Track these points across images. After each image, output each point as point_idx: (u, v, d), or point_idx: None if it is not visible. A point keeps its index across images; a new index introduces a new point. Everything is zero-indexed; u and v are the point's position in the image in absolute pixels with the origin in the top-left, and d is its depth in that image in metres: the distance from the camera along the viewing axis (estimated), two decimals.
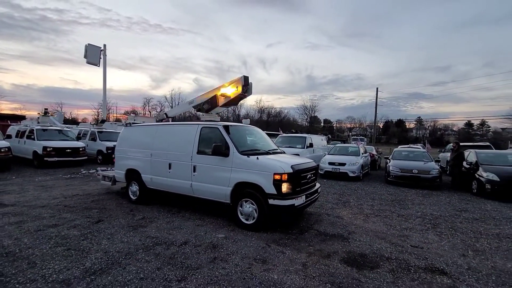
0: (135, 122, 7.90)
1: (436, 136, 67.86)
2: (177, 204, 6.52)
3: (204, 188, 5.48)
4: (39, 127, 13.36)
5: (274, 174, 4.66)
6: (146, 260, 3.65)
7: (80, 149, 13.37)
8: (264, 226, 4.86)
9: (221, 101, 6.07)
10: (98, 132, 15.44)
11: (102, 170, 12.09)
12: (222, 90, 5.94)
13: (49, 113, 14.48)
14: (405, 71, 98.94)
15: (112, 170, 12.50)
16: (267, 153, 5.60)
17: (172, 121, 8.11)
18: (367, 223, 5.59)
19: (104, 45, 16.31)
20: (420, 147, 16.08)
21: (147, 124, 7.28)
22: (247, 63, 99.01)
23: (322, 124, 76.14)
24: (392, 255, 4.01)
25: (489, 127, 68.14)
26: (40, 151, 12.18)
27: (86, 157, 13.81)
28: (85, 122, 48.19)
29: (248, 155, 5.10)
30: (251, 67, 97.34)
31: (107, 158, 14.37)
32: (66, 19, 74.54)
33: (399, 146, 14.35)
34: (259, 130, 6.74)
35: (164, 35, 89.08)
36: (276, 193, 4.63)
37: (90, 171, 11.97)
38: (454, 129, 74.82)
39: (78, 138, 15.22)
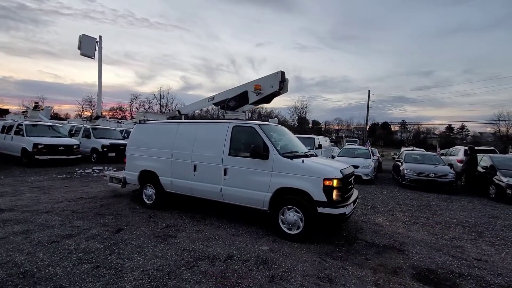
0: (146, 119, 7.23)
1: (419, 139, 69.67)
2: (198, 210, 5.96)
3: (237, 194, 4.95)
4: (28, 122, 12.31)
5: (324, 179, 4.21)
6: (195, 281, 3.10)
7: (74, 147, 12.44)
8: (310, 237, 4.41)
9: (253, 98, 5.57)
10: (92, 128, 14.47)
11: (98, 170, 11.26)
12: (255, 86, 5.43)
13: (39, 107, 13.39)
14: (391, 75, 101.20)
15: (110, 169, 11.75)
16: (305, 155, 5.15)
17: (184, 119, 7.51)
18: (410, 231, 5.26)
19: (100, 37, 15.33)
20: (422, 150, 16.13)
21: (166, 121, 6.65)
22: (236, 62, 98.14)
23: (310, 125, 76.45)
24: (463, 271, 3.66)
25: (468, 131, 70.74)
26: (30, 148, 11.18)
27: (80, 156, 12.87)
28: (68, 117, 45.99)
29: (290, 157, 4.64)
30: (239, 66, 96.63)
31: (103, 156, 13.48)
32: (46, 8, 70.57)
33: (403, 149, 14.31)
34: (288, 130, 6.28)
35: (151, 30, 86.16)
36: (326, 200, 4.19)
37: (86, 171, 11.09)
38: (436, 132, 77.02)
39: (71, 134, 14.18)
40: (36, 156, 11.21)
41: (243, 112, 6.17)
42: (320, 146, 12.76)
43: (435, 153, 12.43)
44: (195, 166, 5.43)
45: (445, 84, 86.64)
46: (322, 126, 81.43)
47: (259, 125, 4.99)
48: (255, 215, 5.53)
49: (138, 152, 6.43)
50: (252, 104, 5.82)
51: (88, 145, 14.03)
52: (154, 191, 6.09)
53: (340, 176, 4.32)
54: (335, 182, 4.21)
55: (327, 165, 4.56)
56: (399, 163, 11.41)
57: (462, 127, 73.29)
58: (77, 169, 11.27)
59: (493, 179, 8.82)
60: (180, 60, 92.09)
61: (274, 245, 4.26)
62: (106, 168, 12.02)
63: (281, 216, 4.55)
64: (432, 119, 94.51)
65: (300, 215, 4.37)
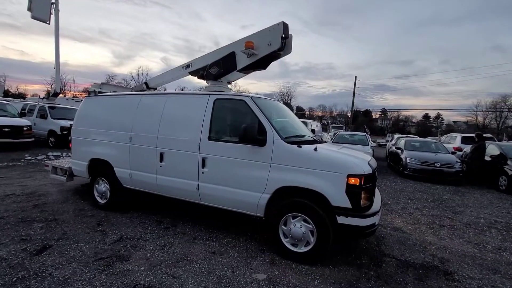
0: (101, 91, 5.56)
1: (398, 127, 70.94)
2: (168, 210, 4.53)
3: (220, 193, 3.55)
4: None
5: (349, 176, 2.89)
6: None
7: (24, 128, 10.38)
8: (323, 257, 3.13)
9: (243, 61, 4.06)
10: (49, 108, 12.28)
11: (54, 157, 9.41)
12: (246, 43, 3.90)
13: None
14: (372, 63, 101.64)
15: (70, 156, 9.93)
16: (314, 141, 3.79)
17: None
18: (442, 239, 4.13)
19: None
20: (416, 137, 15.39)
21: (123, 93, 5.03)
22: (220, 44, 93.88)
23: (294, 112, 75.43)
24: None
25: (443, 119, 72.82)
26: None
27: (33, 139, 10.85)
28: (35, 97, 41.79)
29: (297, 143, 3.26)
30: None
31: (62, 140, 11.48)
32: None
33: (395, 136, 13.48)
34: (287, 108, 4.88)
35: (128, 5, 79.79)
36: (350, 206, 2.89)
37: (38, 157, 9.21)
38: (413, 120, 78.51)
39: (23, 114, 11.99)
40: None
41: (229, 83, 4.68)
42: (313, 131, 11.53)
43: (436, 140, 11.60)
44: (161, 155, 3.94)
45: (423, 73, 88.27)
46: (306, 113, 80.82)
47: (251, 97, 3.54)
48: (243, 218, 4.19)
49: (86, 134, 4.81)
50: (242, 71, 4.31)
51: (44, 127, 11.92)
52: (108, 187, 4.56)
53: (370, 171, 3.02)
54: (363, 180, 2.90)
55: (349, 155, 3.24)
56: (399, 151, 10.41)
57: (438, 116, 75.33)
58: (26, 156, 9.34)
59: (505, 169, 7.99)
60: (160, 40, 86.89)
61: (273, 269, 2.94)
62: (64, 154, 10.16)
63: (283, 226, 3.22)
64: (409, 108, 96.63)
65: (310, 226, 3.06)
